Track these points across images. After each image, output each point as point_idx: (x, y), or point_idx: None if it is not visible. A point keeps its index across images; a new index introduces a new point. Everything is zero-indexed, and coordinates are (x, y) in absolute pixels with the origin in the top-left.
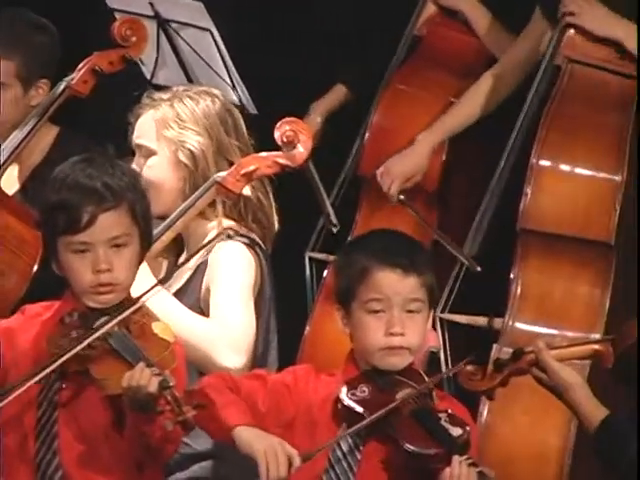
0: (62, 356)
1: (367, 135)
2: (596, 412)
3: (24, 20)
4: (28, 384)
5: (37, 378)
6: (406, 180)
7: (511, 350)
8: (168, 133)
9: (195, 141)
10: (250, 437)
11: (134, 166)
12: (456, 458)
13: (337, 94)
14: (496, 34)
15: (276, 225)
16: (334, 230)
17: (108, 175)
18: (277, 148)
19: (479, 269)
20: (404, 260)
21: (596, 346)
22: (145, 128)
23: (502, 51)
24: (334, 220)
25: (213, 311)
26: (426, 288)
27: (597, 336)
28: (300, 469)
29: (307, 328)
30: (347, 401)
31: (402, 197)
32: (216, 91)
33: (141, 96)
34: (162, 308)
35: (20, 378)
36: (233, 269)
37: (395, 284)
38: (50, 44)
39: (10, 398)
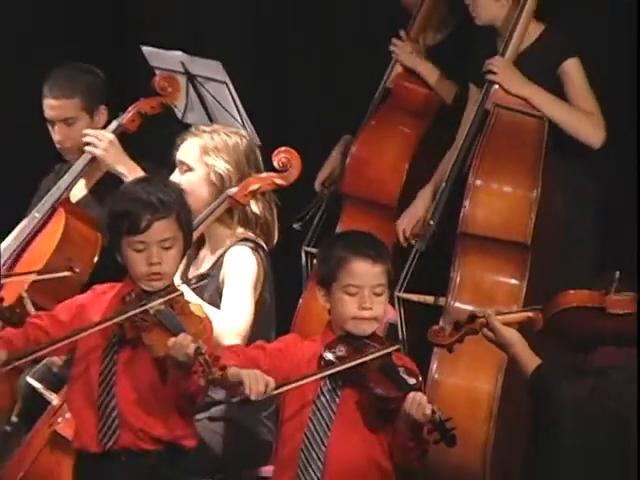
0: (121, 315)
1: (348, 161)
2: (532, 361)
3: (75, 68)
4: (92, 330)
5: (100, 327)
6: (413, 226)
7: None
8: (206, 158)
9: (225, 168)
10: (237, 370)
11: (173, 176)
12: (414, 393)
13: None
14: (442, 84)
15: (276, 234)
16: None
17: (161, 192)
18: (274, 170)
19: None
20: (373, 252)
21: (530, 314)
22: (189, 150)
23: (447, 95)
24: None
25: (224, 302)
26: (387, 274)
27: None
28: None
29: (299, 306)
30: (329, 357)
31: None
32: (244, 132)
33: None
34: (191, 297)
35: (89, 338)
36: (241, 268)
37: (365, 272)
38: (99, 80)
39: (81, 335)
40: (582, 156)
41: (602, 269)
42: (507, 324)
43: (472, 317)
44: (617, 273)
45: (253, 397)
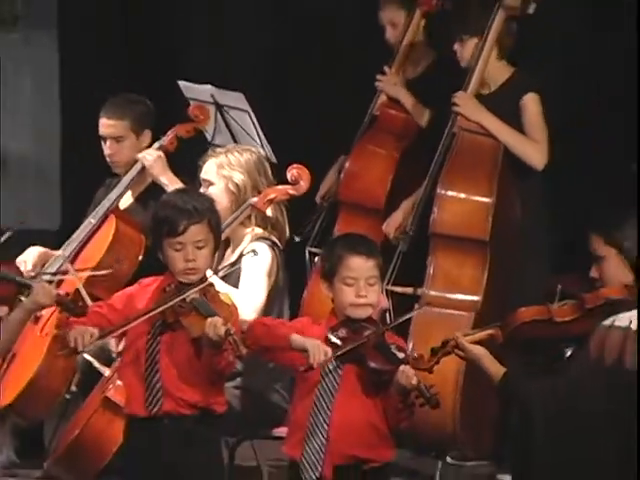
0: (165, 304)
1: (342, 174)
2: (498, 370)
3: (127, 96)
4: (143, 318)
5: (148, 315)
6: (395, 229)
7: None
8: (223, 172)
9: (239, 179)
10: (301, 338)
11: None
12: (403, 366)
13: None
14: (419, 110)
15: (287, 232)
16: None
17: (196, 201)
18: (288, 182)
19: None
20: (365, 250)
21: (491, 331)
22: (209, 168)
23: (423, 120)
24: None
25: (243, 284)
26: (379, 268)
27: (478, 298)
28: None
29: (304, 295)
30: (333, 339)
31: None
32: (254, 149)
33: (207, 149)
34: (219, 285)
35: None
36: (258, 259)
37: (360, 266)
38: (147, 109)
39: (134, 324)
40: (535, 174)
41: (554, 268)
42: (474, 342)
43: (444, 343)
44: (559, 286)
45: (315, 365)
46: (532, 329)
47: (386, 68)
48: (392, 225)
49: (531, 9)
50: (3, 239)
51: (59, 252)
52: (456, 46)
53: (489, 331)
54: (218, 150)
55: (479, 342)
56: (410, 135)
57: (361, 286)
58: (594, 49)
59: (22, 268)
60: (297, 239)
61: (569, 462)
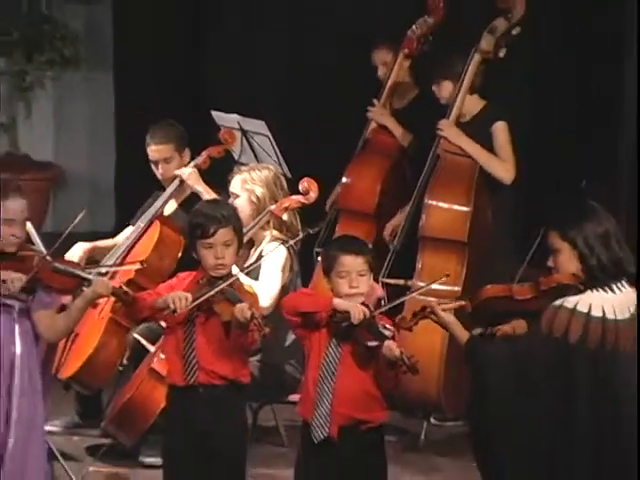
0: (202, 297)
1: (341, 186)
2: (464, 335)
3: (167, 122)
4: (199, 301)
5: (197, 302)
6: (391, 231)
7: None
8: (246, 186)
9: (260, 192)
10: (343, 301)
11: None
12: (388, 341)
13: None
14: (403, 134)
15: (300, 234)
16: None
17: (222, 209)
18: (300, 193)
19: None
20: (355, 249)
21: (462, 302)
22: (235, 184)
23: (406, 142)
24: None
25: (262, 276)
26: (368, 263)
27: (458, 289)
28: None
29: (310, 286)
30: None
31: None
32: (272, 166)
33: (233, 167)
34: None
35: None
36: (275, 255)
37: (351, 263)
38: (182, 131)
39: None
40: (505, 187)
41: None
42: (446, 311)
43: (423, 308)
44: (520, 269)
45: (356, 322)
46: (495, 303)
47: (375, 101)
48: (387, 230)
49: (502, 53)
50: (67, 231)
51: (111, 241)
52: (434, 87)
53: (460, 302)
54: (243, 168)
55: (450, 311)
56: (395, 154)
57: (353, 278)
58: (550, 81)
59: None
60: (312, 231)
61: (514, 417)
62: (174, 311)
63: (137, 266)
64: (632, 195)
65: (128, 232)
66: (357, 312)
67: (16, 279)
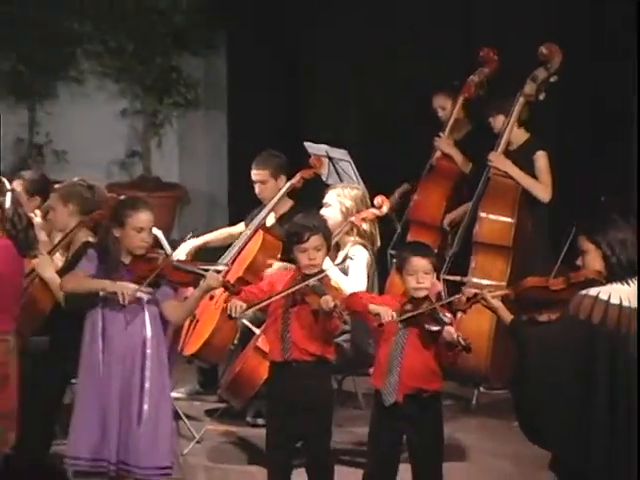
0: (298, 286)
1: (412, 202)
2: (508, 317)
3: (269, 153)
4: (281, 295)
5: (285, 293)
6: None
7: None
8: (338, 199)
9: (349, 204)
10: (375, 306)
11: (322, 211)
12: (447, 326)
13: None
14: (463, 161)
15: (379, 241)
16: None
17: (315, 219)
18: (374, 206)
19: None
20: (422, 252)
21: (507, 291)
22: (329, 196)
23: (466, 168)
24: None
25: (350, 275)
26: (432, 264)
27: (503, 284)
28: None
29: (387, 282)
30: (406, 308)
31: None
32: (360, 186)
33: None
34: (333, 272)
35: (278, 299)
36: (358, 258)
37: (418, 263)
38: (282, 161)
39: (275, 299)
40: (545, 205)
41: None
42: (494, 297)
43: (475, 295)
44: (556, 267)
45: (384, 322)
46: (534, 292)
47: (440, 133)
48: (447, 220)
49: (542, 96)
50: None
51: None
52: (490, 119)
53: (506, 291)
54: (338, 185)
55: (497, 298)
56: (456, 177)
57: (419, 276)
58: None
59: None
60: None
61: (548, 384)
62: (230, 316)
63: (226, 268)
64: None
65: (239, 228)
66: (386, 315)
67: (132, 289)
